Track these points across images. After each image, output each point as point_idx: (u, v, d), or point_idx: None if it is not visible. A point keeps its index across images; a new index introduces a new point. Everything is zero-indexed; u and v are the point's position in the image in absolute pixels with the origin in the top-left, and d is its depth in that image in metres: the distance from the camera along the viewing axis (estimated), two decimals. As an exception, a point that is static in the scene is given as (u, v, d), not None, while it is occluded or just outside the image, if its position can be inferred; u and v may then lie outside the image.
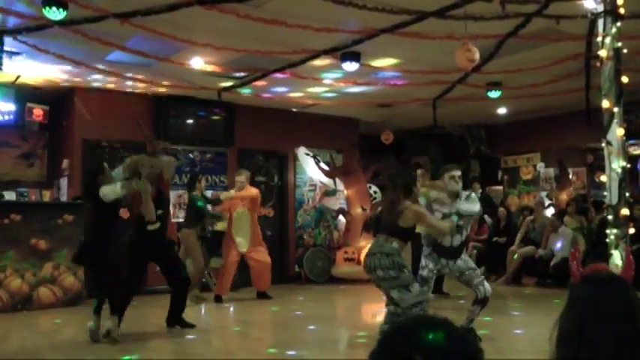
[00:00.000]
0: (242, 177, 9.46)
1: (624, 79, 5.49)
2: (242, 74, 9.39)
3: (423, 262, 6.18)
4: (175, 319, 7.20)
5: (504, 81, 9.79)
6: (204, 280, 10.08)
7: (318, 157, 12.19)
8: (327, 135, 12.58)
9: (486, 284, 6.18)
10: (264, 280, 9.65)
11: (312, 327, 7.45)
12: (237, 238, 9.35)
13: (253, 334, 7.54)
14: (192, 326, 7.18)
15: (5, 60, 7.92)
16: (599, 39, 5.58)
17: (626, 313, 1.58)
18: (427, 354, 1.19)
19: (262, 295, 9.56)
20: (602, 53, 5.52)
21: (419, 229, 6.27)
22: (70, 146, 10.33)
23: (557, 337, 1.64)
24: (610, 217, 5.39)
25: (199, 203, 9.24)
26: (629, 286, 1.70)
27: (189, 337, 6.90)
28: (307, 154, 12.12)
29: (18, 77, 9.41)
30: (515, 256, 10.99)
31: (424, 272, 6.13)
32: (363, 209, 11.96)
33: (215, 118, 11.39)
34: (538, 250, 10.92)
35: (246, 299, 9.62)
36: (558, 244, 10.54)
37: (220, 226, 10.60)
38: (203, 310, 8.93)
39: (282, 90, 10.46)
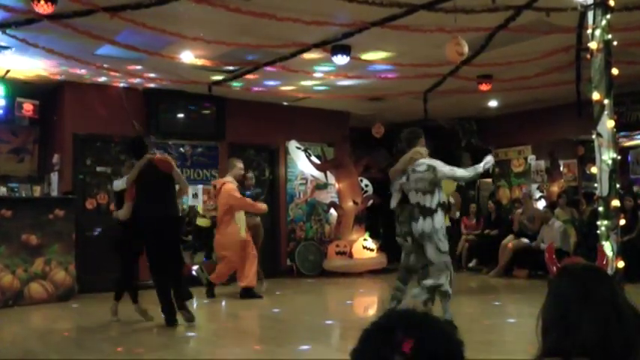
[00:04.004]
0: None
1: (614, 71, 5.52)
2: (233, 68, 9.36)
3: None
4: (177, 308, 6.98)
5: (495, 74, 9.80)
6: (196, 274, 10.06)
7: (309, 151, 12.19)
8: (318, 128, 12.56)
9: None
10: (248, 275, 9.14)
11: (303, 321, 7.46)
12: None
13: (244, 328, 7.54)
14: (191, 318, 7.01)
15: (-5, 54, 7.90)
16: (590, 31, 5.60)
17: (605, 298, 1.64)
18: (406, 353, 1.19)
19: (247, 294, 9.20)
20: (593, 45, 5.54)
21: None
22: (60, 141, 10.27)
23: (542, 328, 1.69)
24: (601, 208, 5.42)
25: None
26: (606, 273, 1.78)
27: (181, 331, 6.90)
28: (298, 148, 12.11)
29: (7, 72, 9.34)
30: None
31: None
32: (355, 203, 11.98)
33: (206, 112, 11.35)
34: (529, 242, 10.96)
35: (238, 293, 9.58)
36: (549, 236, 10.57)
37: (202, 222, 10.61)
38: (195, 304, 8.92)
39: (273, 83, 10.44)
